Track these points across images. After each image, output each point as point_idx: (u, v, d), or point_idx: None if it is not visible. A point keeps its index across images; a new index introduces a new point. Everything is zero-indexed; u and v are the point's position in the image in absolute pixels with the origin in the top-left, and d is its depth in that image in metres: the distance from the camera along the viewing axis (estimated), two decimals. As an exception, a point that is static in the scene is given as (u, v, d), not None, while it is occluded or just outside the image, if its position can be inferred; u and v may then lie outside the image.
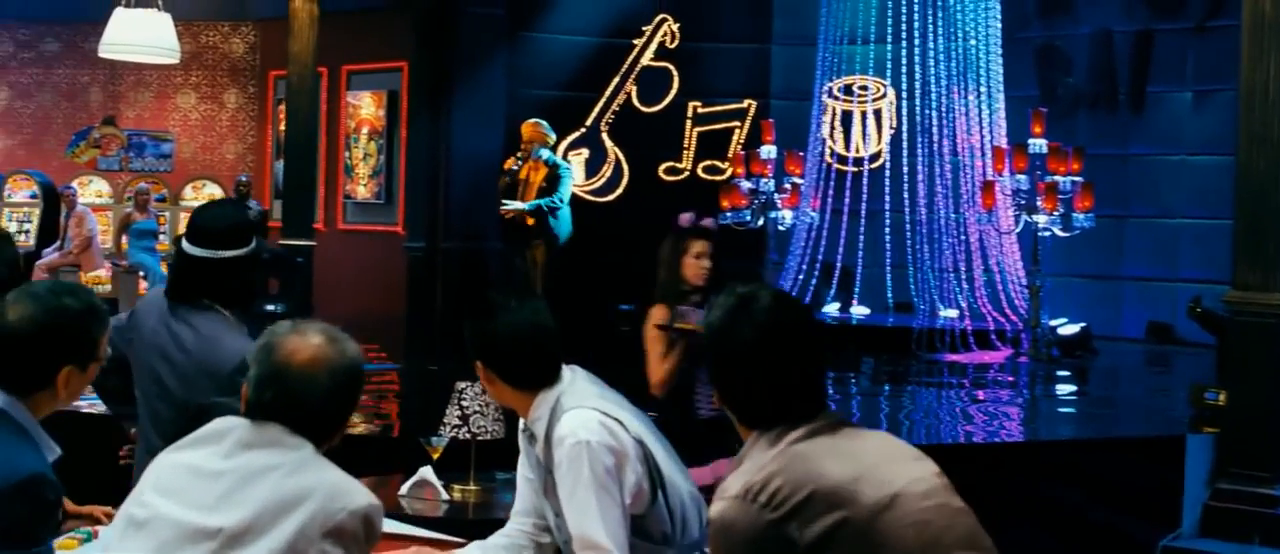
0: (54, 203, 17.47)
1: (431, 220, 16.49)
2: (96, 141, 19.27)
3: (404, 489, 5.98)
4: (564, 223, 11.74)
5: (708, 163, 17.41)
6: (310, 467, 3.19)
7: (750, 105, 17.48)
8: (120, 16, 16.92)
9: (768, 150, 15.26)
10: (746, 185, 15.21)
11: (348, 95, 18.73)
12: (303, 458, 3.19)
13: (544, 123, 11.78)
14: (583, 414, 3.98)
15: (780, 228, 15.26)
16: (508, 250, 12.24)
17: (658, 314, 6.52)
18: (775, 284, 14.89)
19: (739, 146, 17.11)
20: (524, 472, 4.27)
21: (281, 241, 16.30)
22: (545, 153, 11.67)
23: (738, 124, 17.48)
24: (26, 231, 18.12)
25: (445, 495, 5.96)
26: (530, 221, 11.66)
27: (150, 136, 19.42)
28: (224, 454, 3.18)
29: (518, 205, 11.58)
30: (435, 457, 6.02)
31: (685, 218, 6.76)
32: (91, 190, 18.41)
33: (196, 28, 19.95)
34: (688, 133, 17.49)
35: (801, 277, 15.34)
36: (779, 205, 15.10)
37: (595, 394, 4.09)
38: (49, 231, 17.61)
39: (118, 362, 4.69)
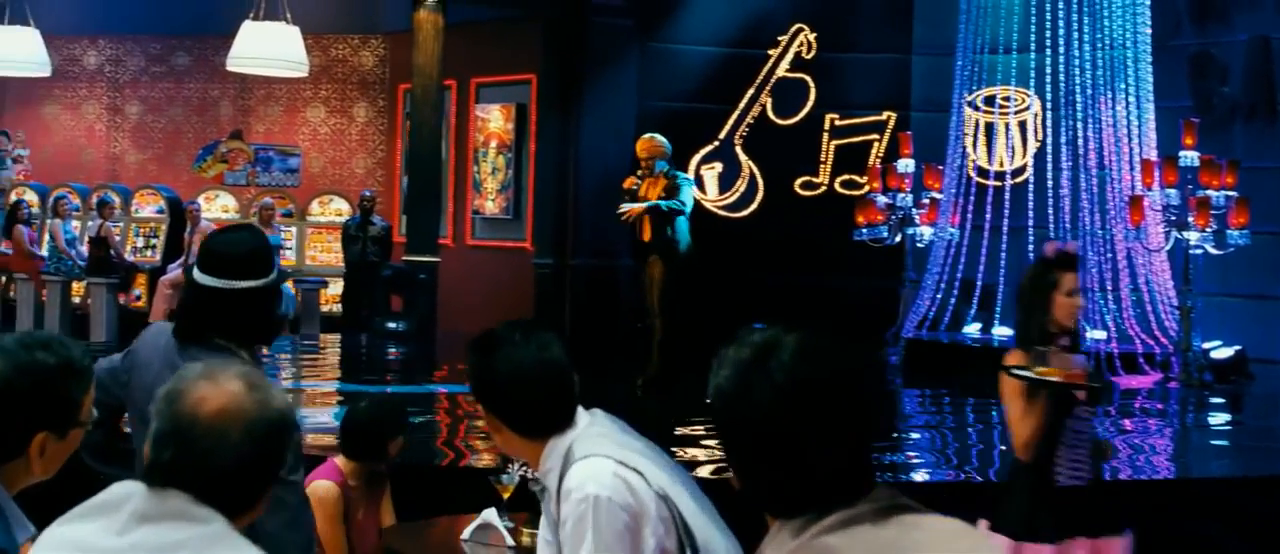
0: (180, 218, 17.82)
1: (560, 236, 16.75)
2: (223, 156, 19.68)
3: (466, 533, 5.51)
4: (683, 234, 11.63)
5: (846, 177, 17.22)
6: (220, 546, 2.61)
7: (889, 117, 17.27)
8: (248, 30, 17.27)
9: (905, 164, 15.16)
10: (883, 200, 15.13)
11: (476, 108, 18.92)
12: (211, 534, 2.60)
13: (659, 136, 11.82)
14: (595, 464, 3.48)
15: (918, 244, 15.15)
16: (636, 267, 12.38)
17: (1014, 359, 5.57)
18: (914, 303, 14.84)
19: (877, 160, 16.88)
20: (543, 533, 3.78)
21: (405, 258, 16.54)
22: (664, 165, 11.72)
23: (876, 137, 17.26)
24: (154, 247, 18.54)
25: (511, 541, 5.43)
26: (647, 235, 11.63)
27: (277, 151, 19.79)
28: (117, 530, 2.60)
29: (633, 205, 11.54)
30: (505, 496, 5.58)
31: (1051, 247, 5.85)
32: (217, 205, 18.76)
33: (326, 41, 20.28)
34: (825, 146, 17.33)
35: (940, 295, 15.21)
36: (917, 221, 14.99)
37: (614, 441, 3.57)
38: (176, 247, 17.97)
39: (108, 411, 4.23)
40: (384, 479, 6.14)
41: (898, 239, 15.19)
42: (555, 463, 3.56)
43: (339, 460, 5.98)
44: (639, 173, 11.76)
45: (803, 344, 2.51)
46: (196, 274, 4.26)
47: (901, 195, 15.02)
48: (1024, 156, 16.06)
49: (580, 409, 3.65)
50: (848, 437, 2.45)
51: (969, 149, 16.25)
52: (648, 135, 11.87)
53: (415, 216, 16.45)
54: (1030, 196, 15.69)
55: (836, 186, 17.30)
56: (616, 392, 11.66)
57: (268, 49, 17.24)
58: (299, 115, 20.55)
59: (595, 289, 16.47)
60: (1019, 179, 15.93)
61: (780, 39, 17.30)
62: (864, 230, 15.01)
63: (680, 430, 10.12)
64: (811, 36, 17.31)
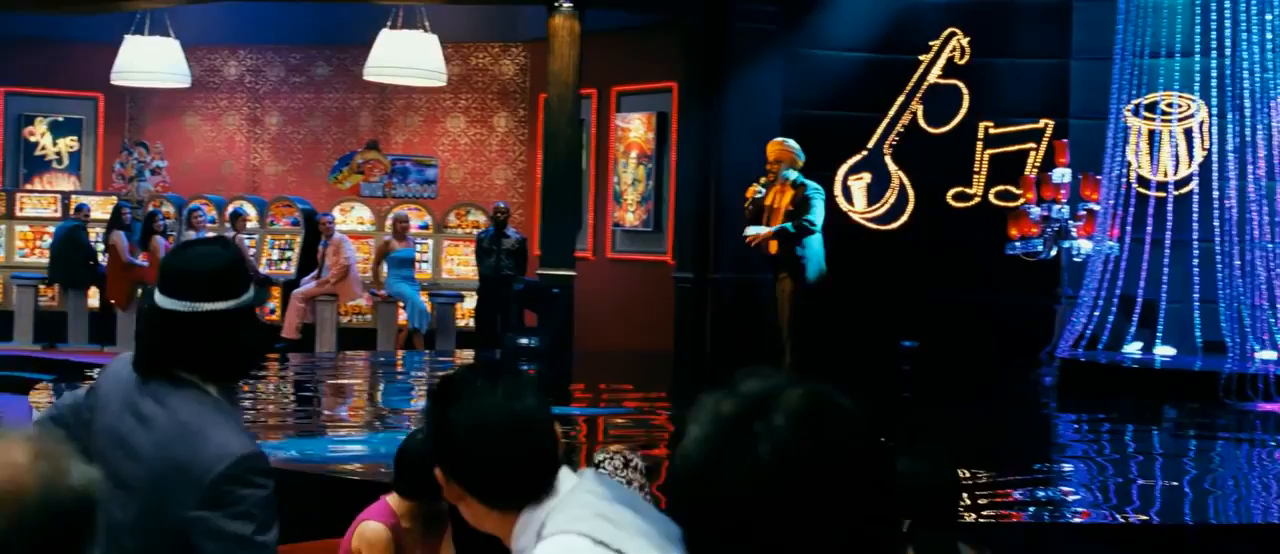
0: (314, 230, 18.01)
1: (701, 249, 16.60)
2: (359, 167, 19.87)
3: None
4: (815, 253, 11.29)
5: (1000, 188, 16.82)
6: None
7: (1047, 125, 16.83)
8: (386, 38, 17.51)
9: (1061, 173, 14.82)
10: (1037, 212, 14.84)
11: (616, 117, 18.92)
12: None
13: (790, 141, 11.57)
14: (565, 543, 2.75)
15: (1075, 258, 14.80)
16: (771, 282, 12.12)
17: None
18: (1069, 321, 14.52)
19: (1033, 170, 16.45)
20: None
21: (539, 272, 16.55)
22: (793, 174, 11.36)
23: (1033, 145, 16.82)
24: (289, 259, 18.76)
25: None
26: (774, 248, 11.40)
27: (414, 161, 19.94)
28: None
29: (759, 230, 11.30)
30: None
31: None
32: (353, 217, 18.91)
33: (465, 50, 20.41)
34: (979, 155, 16.98)
35: (1098, 313, 14.85)
36: (1074, 234, 14.67)
37: (594, 512, 2.81)
38: (310, 260, 18.15)
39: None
40: (445, 519, 5.49)
41: (1053, 253, 14.86)
42: (527, 542, 2.84)
43: (391, 499, 5.42)
44: (763, 180, 11.45)
45: (807, 405, 1.90)
46: (157, 296, 3.67)
47: (1057, 207, 14.71)
48: (1189, 165, 15.66)
49: (565, 470, 2.94)
50: (846, 535, 1.87)
51: (1130, 158, 15.90)
52: (779, 139, 11.60)
53: (550, 229, 16.45)
54: (1195, 208, 15.27)
55: (991, 198, 16.92)
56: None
57: (405, 58, 17.48)
58: (438, 125, 20.68)
59: (737, 305, 16.30)
60: (1183, 190, 15.53)
61: (932, 44, 17.02)
62: (1017, 244, 14.71)
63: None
64: (965, 41, 17.00)
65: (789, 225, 11.13)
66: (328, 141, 21.08)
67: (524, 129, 20.20)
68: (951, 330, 16.38)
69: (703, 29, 16.74)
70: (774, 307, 11.68)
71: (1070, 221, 14.74)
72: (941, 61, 17.06)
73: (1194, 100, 15.57)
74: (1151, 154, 15.85)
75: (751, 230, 11.21)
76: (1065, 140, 15.30)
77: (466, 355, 16.55)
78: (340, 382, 14.56)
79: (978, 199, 17.01)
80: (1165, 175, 15.66)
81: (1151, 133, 15.92)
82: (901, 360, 16.41)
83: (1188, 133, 15.77)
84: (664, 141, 18.26)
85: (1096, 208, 14.78)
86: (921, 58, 17.07)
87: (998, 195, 16.92)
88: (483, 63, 20.56)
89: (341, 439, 10.16)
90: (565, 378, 15.35)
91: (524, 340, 16.01)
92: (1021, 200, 15.98)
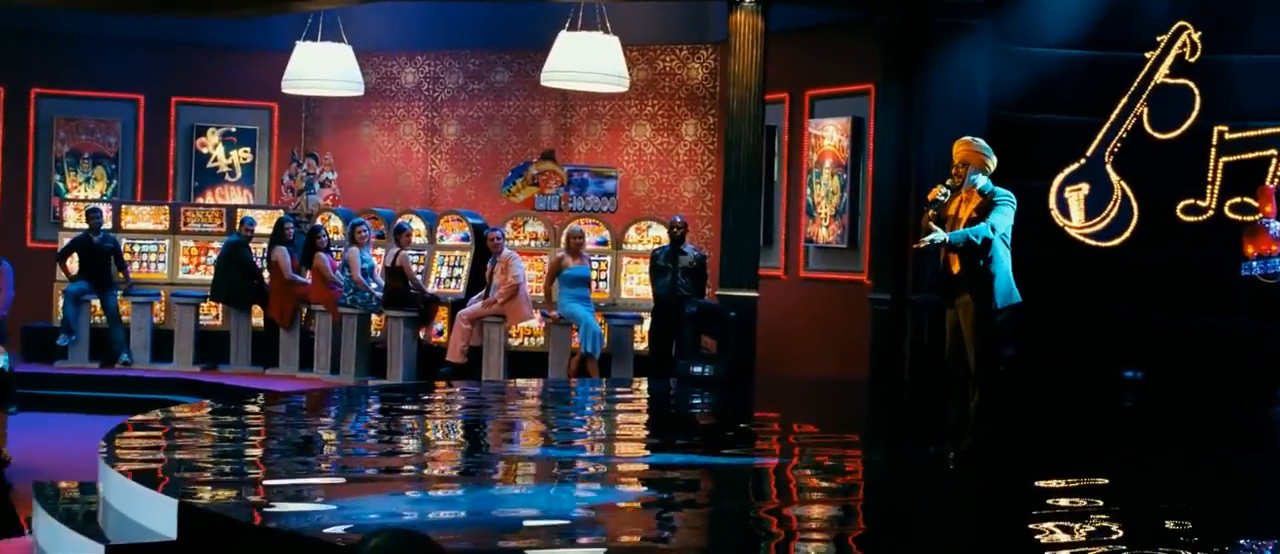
0: (484, 246, 17.48)
1: (899, 268, 15.85)
2: (534, 179, 19.30)
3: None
4: (1001, 272, 10.19)
5: (1237, 200, 15.61)
6: None
7: None
8: (564, 42, 16.94)
9: (1304, 186, 13.70)
10: (1276, 227, 13.69)
11: (809, 124, 18.13)
12: None
13: (980, 142, 10.48)
14: None
15: (1318, 278, 13.68)
16: (940, 305, 10.97)
17: None
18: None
19: (1275, 179, 15.33)
20: None
21: (718, 292, 15.84)
22: (981, 179, 10.30)
23: (1274, 153, 15.57)
24: (458, 277, 18.27)
25: None
26: (955, 265, 10.34)
27: (593, 172, 19.32)
28: None
29: (935, 236, 10.24)
30: None
31: None
32: (526, 232, 18.29)
33: (652, 52, 19.79)
34: (1212, 164, 15.85)
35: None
36: (1317, 252, 13.56)
37: None
38: (479, 279, 17.62)
39: None
40: None
41: (1290, 275, 13.73)
42: None
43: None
44: (949, 182, 10.39)
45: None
46: None
47: (1295, 222, 13.57)
48: None
49: None
50: None
51: None
52: (966, 139, 10.47)
53: (730, 245, 15.68)
54: None
55: (1226, 211, 15.72)
56: (929, 461, 10.64)
57: (584, 62, 16.93)
58: (622, 134, 20.10)
59: (938, 329, 15.11)
60: None
61: (1159, 39, 15.93)
62: (1254, 263, 13.58)
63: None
64: (1196, 36, 15.86)
65: (964, 233, 10.02)
66: (507, 152, 20.62)
67: (713, 138, 19.50)
68: (1179, 359, 15.46)
69: (900, 25, 15.91)
70: (950, 340, 10.45)
71: (1313, 239, 13.56)
72: (1170, 59, 15.98)
73: None
74: None
75: (927, 238, 10.16)
76: (1304, 149, 14.08)
77: (641, 384, 15.86)
78: (503, 413, 13.96)
79: (1211, 212, 15.87)
80: None
81: None
82: (1123, 393, 15.53)
83: None
84: (860, 150, 17.42)
85: (1345, 222, 13.57)
86: (1147, 54, 16.01)
87: (1233, 208, 15.72)
88: (670, 66, 19.92)
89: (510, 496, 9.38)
90: (743, 411, 14.54)
91: (697, 368, 15.26)
92: (1259, 214, 14.85)
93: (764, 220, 17.91)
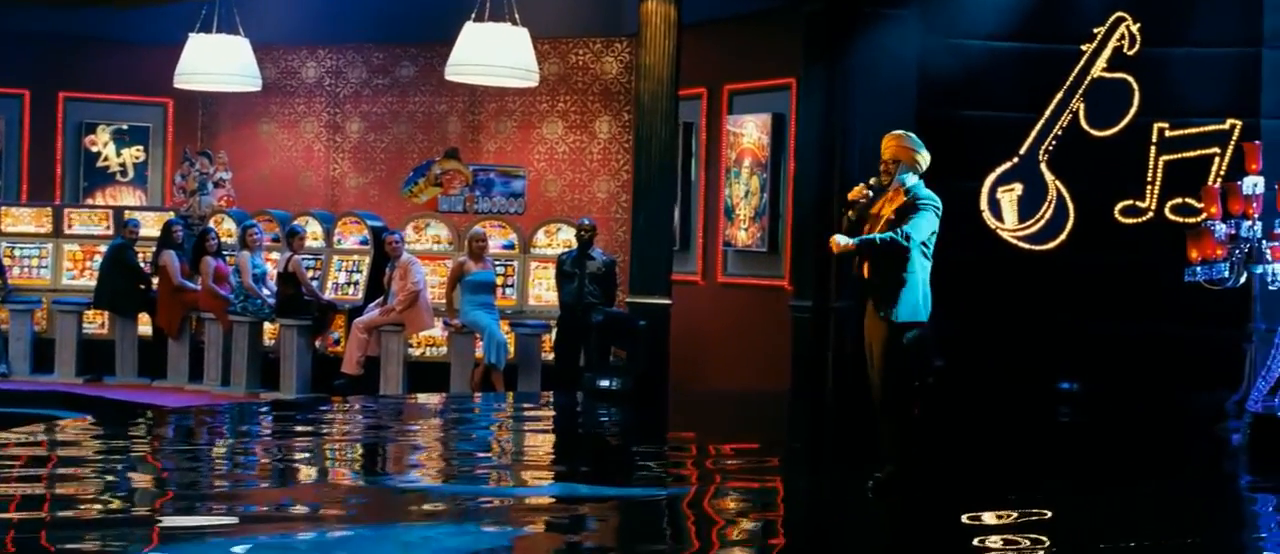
0: (383, 251, 16.43)
1: (822, 273, 14.93)
2: (437, 179, 18.22)
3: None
4: (912, 285, 8.99)
5: (1178, 201, 14.90)
6: None
7: (1234, 126, 14.82)
8: (470, 33, 15.89)
9: (1252, 183, 12.70)
10: (1222, 230, 12.76)
11: (728, 120, 17.13)
12: None
13: (911, 137, 9.39)
14: None
15: (1271, 285, 12.67)
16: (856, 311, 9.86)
17: None
18: (1265, 363, 12.44)
19: (1219, 179, 14.60)
20: None
21: (628, 300, 14.85)
22: (910, 178, 9.25)
23: (1217, 151, 14.87)
24: (356, 283, 17.19)
25: None
26: (866, 271, 9.28)
27: (500, 172, 18.27)
28: None
29: (842, 240, 9.18)
30: None
31: None
32: (428, 235, 17.22)
33: (564, 45, 18.77)
34: (1152, 162, 15.07)
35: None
36: (1269, 256, 12.57)
37: None
38: (378, 284, 16.56)
39: None
40: None
41: (1242, 280, 12.75)
42: None
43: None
44: (873, 181, 9.32)
45: None
46: None
47: (1248, 223, 12.59)
48: None
49: None
50: None
51: None
52: (897, 133, 9.36)
53: (642, 249, 14.66)
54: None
55: (1167, 212, 14.97)
56: (854, 488, 9.55)
57: (491, 55, 15.88)
58: (534, 132, 19.03)
59: (863, 338, 14.31)
60: None
61: (1096, 31, 15.13)
62: (1198, 268, 12.63)
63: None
64: (1134, 27, 15.07)
65: (877, 237, 8.97)
66: (412, 150, 19.51)
67: (629, 136, 18.48)
68: (1119, 370, 14.68)
69: (823, 15, 14.96)
70: (866, 346, 9.43)
71: (1265, 241, 12.59)
72: (1107, 52, 15.18)
73: None
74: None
75: (839, 238, 9.06)
76: (1258, 143, 13.13)
77: (547, 399, 14.82)
78: (400, 434, 12.88)
79: (1151, 214, 15.10)
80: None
81: None
82: (1059, 406, 14.67)
83: None
84: (781, 147, 16.43)
85: (1291, 223, 12.64)
86: (1083, 47, 15.20)
87: (1175, 209, 15.03)
88: (582, 60, 18.88)
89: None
90: (656, 430, 13.49)
91: (604, 382, 14.22)
92: (1203, 216, 13.98)
93: (681, 222, 17.06)
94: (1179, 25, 15.09)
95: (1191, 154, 15.00)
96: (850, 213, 9.21)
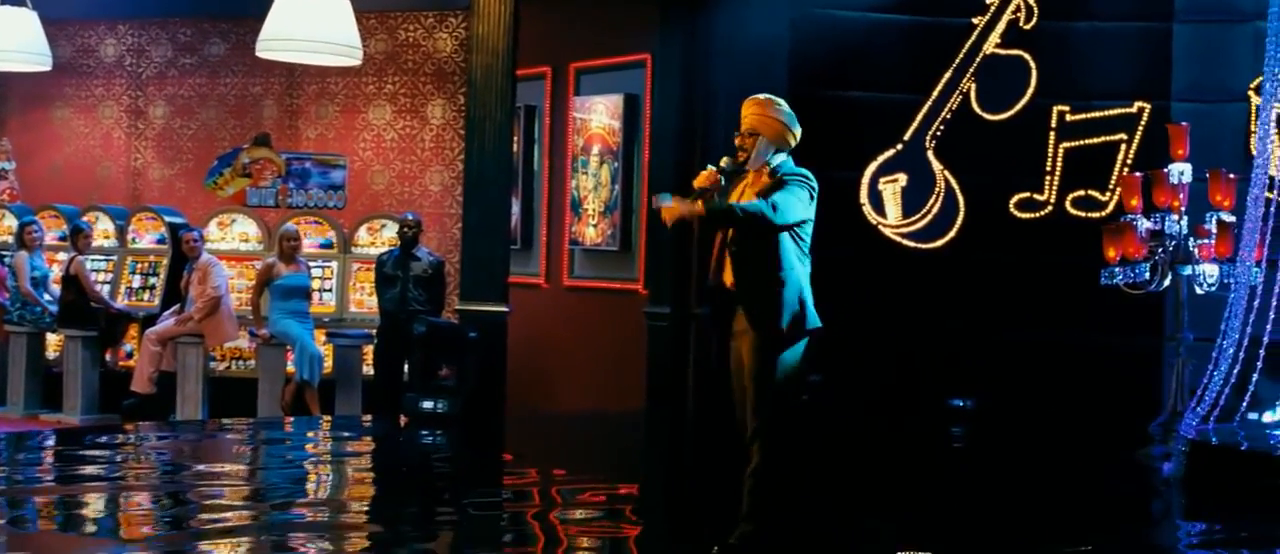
0: (181, 251, 14.48)
1: (681, 275, 13.39)
2: (245, 169, 16.17)
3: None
4: (791, 284, 7.05)
5: (1080, 193, 13.57)
6: None
7: (1142, 110, 13.49)
8: (285, 5, 13.96)
9: (1180, 170, 11.01)
10: (1145, 226, 11.05)
11: (575, 103, 15.22)
12: None
13: (780, 104, 7.40)
14: None
15: (1199, 289, 10.99)
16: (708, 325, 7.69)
17: None
18: (1195, 377, 10.80)
19: (1126, 168, 13.29)
20: None
21: (458, 307, 12.88)
22: (778, 157, 7.30)
23: (1123, 137, 13.53)
24: (153, 287, 15.12)
25: None
26: (729, 276, 7.27)
27: (316, 161, 16.25)
28: None
29: (667, 202, 7.11)
30: None
31: None
32: (235, 233, 15.28)
33: (392, 20, 16.74)
34: (1051, 150, 13.69)
35: (1239, 367, 10.90)
36: (1197, 255, 10.88)
37: None
38: (176, 288, 14.59)
39: None
40: None
41: (1165, 283, 11.06)
42: None
43: None
44: (726, 162, 7.30)
45: None
46: None
47: (1172, 218, 10.87)
48: None
49: None
50: None
51: (1275, 154, 12.62)
52: (760, 98, 7.32)
53: (475, 249, 12.70)
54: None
55: (1068, 206, 13.60)
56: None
57: (309, 29, 13.88)
58: (358, 116, 16.98)
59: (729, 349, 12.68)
60: None
61: (989, 2, 13.72)
62: (1118, 270, 10.95)
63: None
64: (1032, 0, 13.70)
65: (738, 206, 6.96)
66: (223, 137, 17.37)
67: (464, 121, 16.53)
68: (1018, 385, 13.14)
69: (684, -17, 13.27)
70: (736, 381, 7.40)
71: (1192, 239, 10.88)
72: (1001, 25, 13.79)
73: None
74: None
75: (665, 198, 6.99)
76: (1185, 124, 11.43)
77: (366, 423, 12.81)
78: (191, 470, 10.76)
79: (1050, 208, 13.69)
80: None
81: None
82: (951, 425, 13.10)
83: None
84: (634, 133, 14.58)
85: (1230, 219, 10.90)
86: (974, 20, 13.80)
87: (1076, 203, 13.68)
88: (413, 36, 16.85)
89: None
90: (490, 464, 11.44)
91: (428, 404, 12.22)
92: (1109, 208, 12.44)
93: (522, 218, 15.19)
94: (1081, -3, 13.78)
95: (1095, 140, 13.70)
96: (697, 202, 7.19)
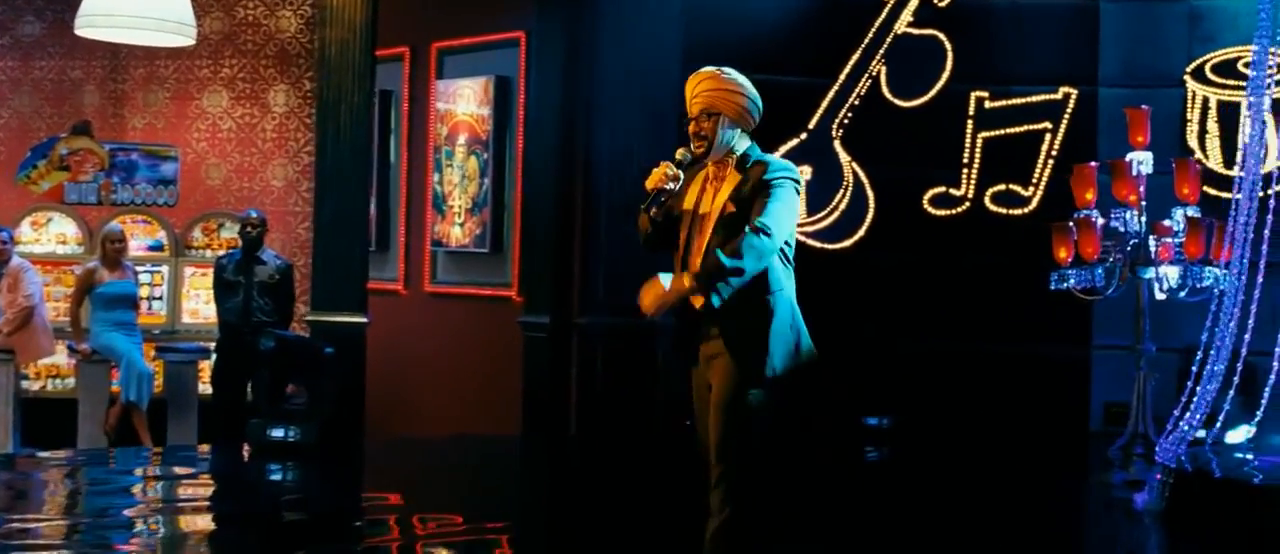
0: (-10, 254, 12.99)
1: (561, 279, 12.21)
2: (62, 161, 14.59)
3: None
4: (782, 308, 5.70)
5: (1000, 187, 12.64)
6: None
7: (1068, 96, 12.61)
8: (107, -22, 12.62)
9: (1141, 160, 9.81)
10: (1100, 222, 9.86)
11: (438, 87, 13.79)
12: None
13: (737, 76, 5.96)
14: None
15: (1160, 293, 9.79)
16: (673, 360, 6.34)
17: None
18: (1153, 395, 9.60)
19: (1050, 160, 12.46)
20: None
21: (308, 318, 11.37)
22: (741, 141, 5.86)
23: (1047, 126, 12.63)
24: (-48, 299, 13.58)
25: None
26: (697, 299, 5.80)
27: (144, 153, 14.70)
28: None
29: (663, 283, 5.66)
30: None
31: None
32: (51, 233, 13.80)
33: (230, -2, 15.31)
34: (969, 140, 12.75)
35: (1213, 385, 9.70)
36: (1156, 256, 9.67)
37: None
38: (-16, 296, 13.13)
39: None
40: None
41: (1120, 288, 9.86)
42: None
43: None
44: (681, 154, 5.85)
45: None
46: None
47: (1131, 215, 9.64)
48: None
49: None
50: None
51: (1195, 144, 12.15)
52: (712, 71, 5.91)
53: (329, 251, 11.30)
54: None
55: (987, 202, 12.68)
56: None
57: (132, 4, 12.61)
58: (192, 103, 15.45)
59: (619, 366, 11.76)
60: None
61: None
62: (1070, 273, 9.73)
63: None
64: None
65: (729, 261, 5.53)
66: (40, 126, 15.68)
67: (311, 108, 15.10)
68: (938, 399, 12.19)
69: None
70: (701, 420, 5.83)
71: (1152, 238, 9.66)
72: (914, 3, 12.85)
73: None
74: (1226, 138, 11.93)
75: (653, 292, 5.54)
76: (1146, 108, 10.23)
77: (204, 453, 11.23)
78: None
79: (967, 204, 12.79)
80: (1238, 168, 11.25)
81: (1227, 106, 11.96)
82: (866, 446, 11.96)
83: (1280, 106, 11.89)
84: (506, 121, 13.26)
85: (1196, 213, 9.68)
86: None
87: (997, 198, 12.76)
88: (253, 15, 15.31)
89: None
90: (350, 507, 9.87)
91: (278, 432, 10.66)
92: (1032, 204, 11.39)
93: (378, 216, 13.81)
94: (1001, -29, 12.88)
95: (1017, 130, 12.88)
96: (653, 211, 5.73)
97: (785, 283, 5.66)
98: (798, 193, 5.71)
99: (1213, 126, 12.04)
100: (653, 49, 11.93)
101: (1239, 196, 9.13)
